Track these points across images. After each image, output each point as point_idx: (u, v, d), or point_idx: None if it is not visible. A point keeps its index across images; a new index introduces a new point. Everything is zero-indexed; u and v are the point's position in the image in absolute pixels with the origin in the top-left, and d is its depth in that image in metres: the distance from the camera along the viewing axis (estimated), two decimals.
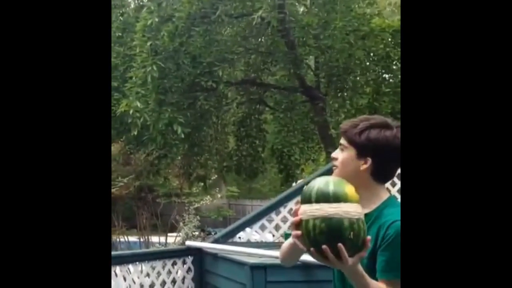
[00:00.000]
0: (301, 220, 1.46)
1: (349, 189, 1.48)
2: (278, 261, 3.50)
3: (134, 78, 8.25)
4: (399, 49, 9.25)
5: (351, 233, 1.42)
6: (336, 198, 1.44)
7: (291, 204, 4.76)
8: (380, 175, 1.74)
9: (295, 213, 1.52)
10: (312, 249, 1.44)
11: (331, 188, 1.46)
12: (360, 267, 1.50)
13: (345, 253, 1.42)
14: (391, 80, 9.95)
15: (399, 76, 9.86)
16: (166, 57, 8.38)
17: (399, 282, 1.42)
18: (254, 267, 3.36)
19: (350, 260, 1.44)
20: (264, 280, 3.33)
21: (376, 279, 1.63)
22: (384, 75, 9.83)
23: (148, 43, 8.10)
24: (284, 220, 4.79)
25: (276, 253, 3.73)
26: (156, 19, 8.19)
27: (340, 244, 1.41)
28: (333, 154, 1.75)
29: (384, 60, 9.40)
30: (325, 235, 1.41)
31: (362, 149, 1.69)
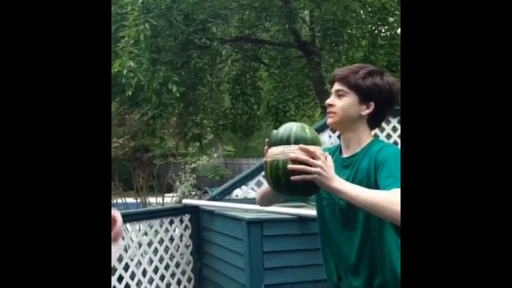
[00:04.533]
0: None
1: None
2: (274, 216, 3.52)
3: (126, 37, 8.08)
4: (395, 1, 9.06)
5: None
6: (313, 141, 1.58)
7: None
8: (376, 120, 1.77)
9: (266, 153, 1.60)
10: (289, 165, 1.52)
11: (308, 132, 1.59)
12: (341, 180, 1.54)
13: (313, 150, 1.52)
14: (387, 33, 9.77)
15: (395, 29, 9.70)
16: (158, 15, 8.18)
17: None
18: (251, 222, 3.37)
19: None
20: (261, 234, 3.34)
21: (376, 228, 1.67)
22: (380, 28, 9.64)
23: (140, 1, 7.89)
24: None
25: (272, 208, 3.74)
26: None
27: (307, 147, 1.53)
28: (329, 101, 1.74)
29: (380, 12, 9.19)
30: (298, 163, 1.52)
31: (366, 94, 1.70)
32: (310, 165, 1.50)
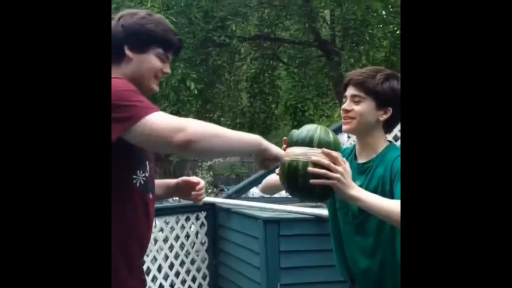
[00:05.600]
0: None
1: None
2: (291, 215, 3.49)
3: None
4: None
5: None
6: (336, 146, 1.54)
7: None
8: (392, 124, 1.73)
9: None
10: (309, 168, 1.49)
11: (331, 136, 1.55)
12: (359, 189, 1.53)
13: (336, 156, 1.49)
14: None
15: None
16: (178, 12, 8.20)
17: None
18: (268, 221, 3.33)
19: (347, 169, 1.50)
20: (277, 233, 3.30)
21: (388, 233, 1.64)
22: None
23: None
24: None
25: (289, 207, 3.70)
26: None
27: (330, 151, 1.49)
28: (345, 106, 1.70)
29: None
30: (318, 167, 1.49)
31: (384, 100, 1.66)
32: (331, 170, 1.47)
